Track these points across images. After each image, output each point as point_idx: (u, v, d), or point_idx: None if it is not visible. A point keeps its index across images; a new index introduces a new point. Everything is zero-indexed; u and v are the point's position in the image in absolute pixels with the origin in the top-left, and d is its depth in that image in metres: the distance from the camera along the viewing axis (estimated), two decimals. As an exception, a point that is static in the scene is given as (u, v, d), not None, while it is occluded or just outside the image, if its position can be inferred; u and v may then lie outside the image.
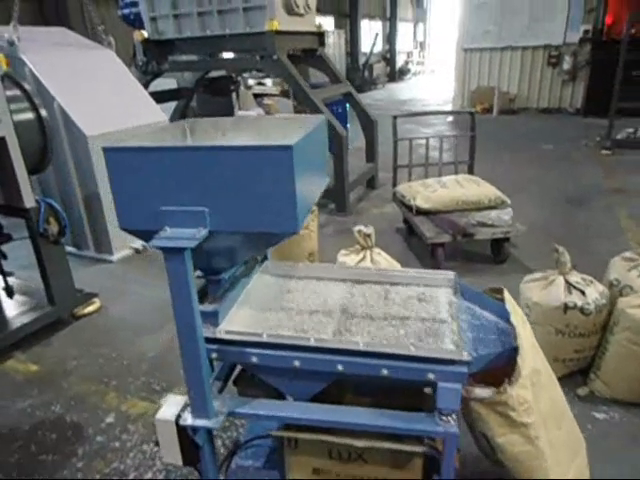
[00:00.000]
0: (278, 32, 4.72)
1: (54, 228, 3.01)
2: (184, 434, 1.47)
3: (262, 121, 1.76)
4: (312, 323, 1.50)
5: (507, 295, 1.58)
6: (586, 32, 10.11)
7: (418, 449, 1.44)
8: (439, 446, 1.57)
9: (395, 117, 4.44)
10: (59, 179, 4.14)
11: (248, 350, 1.39)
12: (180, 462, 1.51)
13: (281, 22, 4.74)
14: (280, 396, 1.59)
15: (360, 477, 1.57)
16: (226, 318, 1.49)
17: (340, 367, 1.35)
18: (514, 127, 9.50)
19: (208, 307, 1.42)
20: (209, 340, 1.38)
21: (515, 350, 1.41)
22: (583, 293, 2.35)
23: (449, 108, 12.13)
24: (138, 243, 4.38)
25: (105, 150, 1.23)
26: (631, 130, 7.71)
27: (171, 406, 1.49)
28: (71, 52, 4.30)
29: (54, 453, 2.17)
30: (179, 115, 6.36)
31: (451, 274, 1.73)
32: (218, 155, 1.18)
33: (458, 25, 11.78)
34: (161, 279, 3.85)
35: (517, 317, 1.47)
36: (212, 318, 1.42)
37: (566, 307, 2.34)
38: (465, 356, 1.27)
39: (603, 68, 9.35)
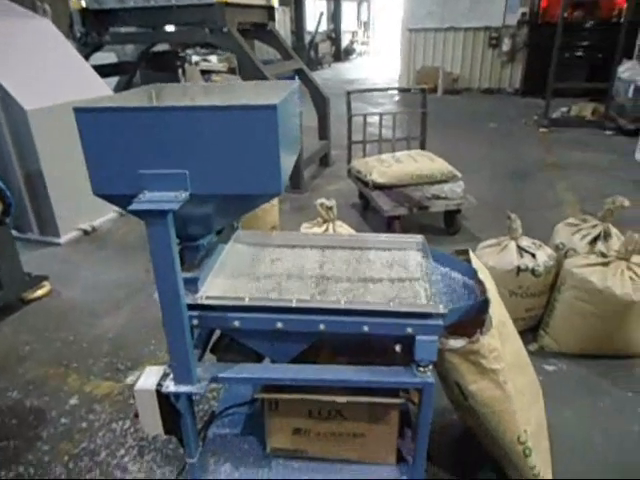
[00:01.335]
0: (228, 4, 4.59)
1: (-3, 207, 2.82)
2: (164, 403, 1.46)
3: (231, 86, 1.73)
4: (290, 287, 1.52)
5: (472, 255, 1.67)
6: (523, 15, 10.51)
7: (397, 401, 1.51)
8: (414, 398, 1.66)
9: (349, 93, 4.47)
10: (-5, 157, 3.86)
11: (230, 315, 1.39)
12: (161, 431, 1.50)
13: (230, -6, 4.61)
14: (259, 360, 1.61)
15: (339, 433, 1.64)
16: (204, 286, 1.48)
17: (322, 326, 1.38)
18: (459, 106, 9.81)
19: (187, 274, 1.41)
20: (190, 307, 1.37)
21: (483, 303, 1.51)
22: (533, 256, 2.52)
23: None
24: (86, 224, 4.19)
25: (76, 111, 1.18)
26: (565, 109, 8.19)
27: (150, 376, 1.47)
28: (3, 20, 3.98)
29: (16, 438, 2.08)
30: (122, 90, 6.06)
31: (419, 237, 1.80)
32: (200, 115, 1.15)
33: (403, 5, 11.90)
34: (113, 261, 3.75)
35: (484, 273, 1.57)
36: (191, 285, 1.41)
37: (519, 269, 2.50)
38: (441, 309, 1.34)
39: (539, 50, 9.81)
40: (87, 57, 5.11)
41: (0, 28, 3.85)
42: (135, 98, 1.43)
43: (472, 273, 1.63)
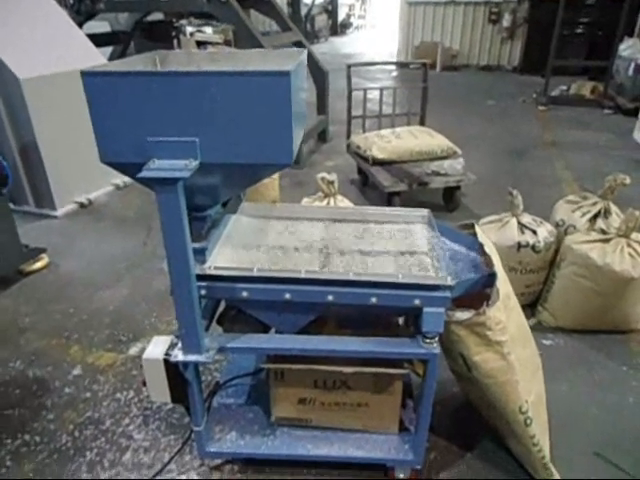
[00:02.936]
0: (226, -28, 4.46)
1: (-6, 178, 2.78)
2: (172, 372, 1.47)
3: (236, 53, 1.69)
4: (296, 259, 1.52)
5: (478, 229, 1.68)
6: (525, -11, 10.31)
7: (401, 371, 1.53)
8: (418, 370, 1.69)
9: (349, 66, 4.40)
10: (-12, 128, 3.79)
11: (238, 285, 1.39)
12: (168, 399, 1.52)
13: (228, -39, 4.48)
14: (265, 331, 1.62)
15: (344, 403, 1.66)
16: (211, 256, 1.48)
17: (330, 297, 1.39)
18: (458, 83, 9.70)
19: (195, 244, 1.40)
20: (198, 277, 1.37)
21: (489, 277, 1.52)
22: (534, 232, 2.54)
23: (393, 63, 12.11)
24: (82, 197, 4.15)
25: (84, 74, 1.14)
26: (564, 87, 8.13)
27: (157, 346, 1.48)
28: (-7, -16, 3.85)
29: (20, 407, 2.09)
30: (116, 62, 5.92)
31: (425, 211, 1.80)
32: (212, 81, 1.13)
33: (402, -23, 11.62)
34: (111, 234, 3.73)
35: (489, 247, 1.57)
36: (199, 255, 1.41)
37: (519, 245, 2.51)
38: (449, 281, 1.35)
39: (539, 26, 9.67)
40: (80, 25, 4.97)
41: (-9, -7, 3.73)
42: (142, 64, 1.39)
43: (478, 247, 1.64)
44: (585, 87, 7.95)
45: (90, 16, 5.27)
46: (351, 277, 1.37)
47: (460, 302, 1.52)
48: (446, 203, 4.01)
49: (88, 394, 2.16)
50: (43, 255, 3.24)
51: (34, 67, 3.61)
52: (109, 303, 2.86)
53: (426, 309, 1.37)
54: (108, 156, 1.24)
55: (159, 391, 1.51)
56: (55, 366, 2.33)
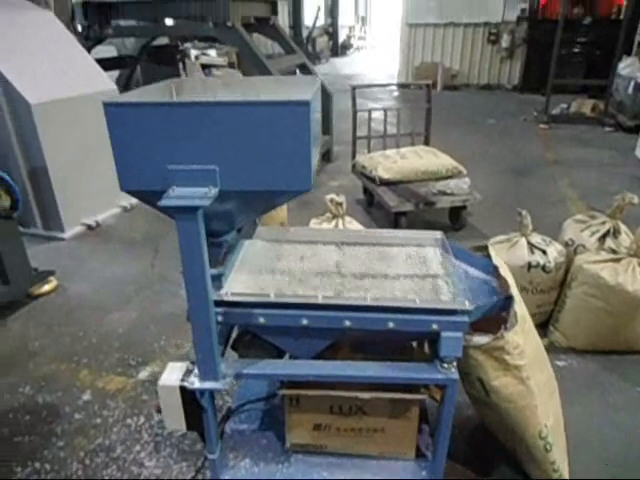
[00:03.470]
0: (232, -2, 4.56)
1: (5, 202, 2.80)
2: (188, 399, 1.46)
3: (249, 81, 1.72)
4: (312, 284, 1.52)
5: (493, 251, 1.68)
6: (523, 11, 10.51)
7: (419, 396, 1.52)
8: (435, 395, 1.67)
9: (354, 87, 4.46)
10: (-1, 152, 3.83)
11: (255, 311, 1.39)
12: (184, 427, 1.51)
13: (234, -13, 4.58)
14: (280, 356, 1.61)
15: (360, 428, 1.64)
16: (227, 282, 1.48)
17: (347, 323, 1.38)
18: (458, 102, 9.80)
19: (212, 270, 1.40)
20: (215, 303, 1.36)
21: (505, 300, 1.51)
22: (544, 252, 2.54)
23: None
24: (90, 219, 4.17)
25: (106, 105, 1.16)
26: (564, 106, 8.21)
27: (173, 372, 1.47)
28: (5, 11, 3.93)
29: (30, 434, 2.07)
30: (123, 85, 6.01)
31: (438, 233, 1.80)
32: (232, 111, 1.15)
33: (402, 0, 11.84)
34: (119, 256, 3.73)
35: (504, 270, 1.57)
36: (216, 281, 1.41)
37: (530, 266, 2.51)
38: (467, 305, 1.35)
39: (538, 46, 9.84)
40: (89, 50, 5.06)
41: (3, 20, 3.81)
42: (159, 93, 1.42)
43: (491, 269, 1.64)
44: (585, 105, 8.02)
45: (98, 41, 5.38)
46: (368, 302, 1.37)
47: (476, 326, 1.51)
48: (452, 222, 4.01)
49: (98, 420, 2.14)
50: (52, 278, 3.25)
51: (44, 92, 3.66)
52: (118, 326, 2.85)
53: (444, 334, 1.37)
54: (129, 184, 1.25)
55: (174, 418, 1.49)
56: (65, 391, 2.31)
